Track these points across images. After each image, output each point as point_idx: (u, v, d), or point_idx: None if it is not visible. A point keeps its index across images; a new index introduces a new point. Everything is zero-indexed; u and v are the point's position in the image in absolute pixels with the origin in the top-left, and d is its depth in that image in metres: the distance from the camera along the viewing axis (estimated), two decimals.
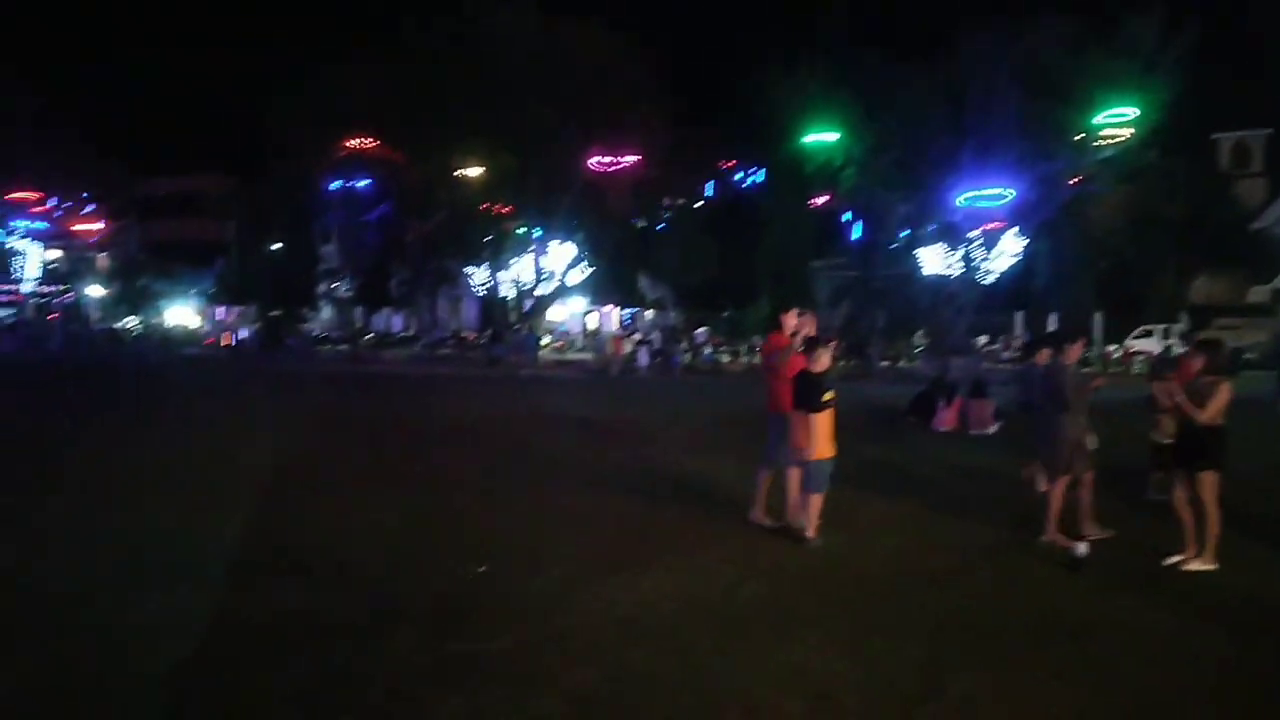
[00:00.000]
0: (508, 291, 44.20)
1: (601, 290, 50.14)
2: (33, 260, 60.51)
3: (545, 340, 45.25)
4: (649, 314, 52.57)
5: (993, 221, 34.05)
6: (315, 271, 58.66)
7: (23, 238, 59.86)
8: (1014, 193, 32.98)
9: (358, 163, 48.23)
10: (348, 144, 46.43)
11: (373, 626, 5.01)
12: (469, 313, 54.70)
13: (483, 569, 6.12)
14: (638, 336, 38.61)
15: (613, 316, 53.77)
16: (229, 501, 7.98)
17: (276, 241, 57.32)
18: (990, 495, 9.10)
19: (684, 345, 41.42)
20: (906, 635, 5.11)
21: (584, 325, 54.11)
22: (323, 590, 5.63)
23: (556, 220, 42.21)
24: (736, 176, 51.72)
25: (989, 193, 33.17)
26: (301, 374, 27.55)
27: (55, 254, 60.89)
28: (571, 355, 43.51)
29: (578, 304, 53.06)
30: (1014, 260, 34.94)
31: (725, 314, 47.51)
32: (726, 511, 7.96)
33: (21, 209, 58.98)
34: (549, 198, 41.09)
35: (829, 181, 37.33)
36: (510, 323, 43.28)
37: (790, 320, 7.67)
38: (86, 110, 56.55)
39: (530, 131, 37.44)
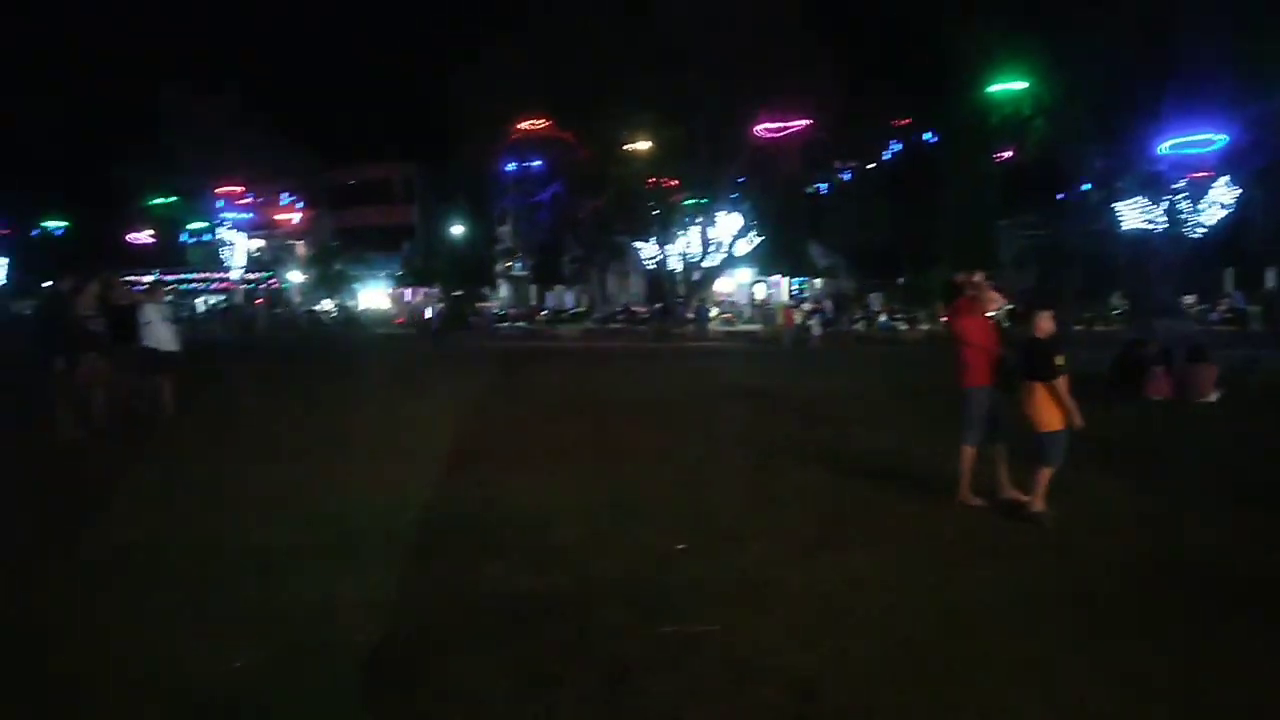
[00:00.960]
0: (676, 265, 44.26)
1: (770, 260, 49.35)
2: (239, 249, 65.87)
3: (714, 312, 45.08)
4: (820, 282, 51.33)
5: (1200, 170, 31.03)
6: (493, 252, 60.93)
7: (230, 228, 65.26)
8: (1225, 138, 29.87)
9: (530, 144, 49.53)
10: (521, 126, 47.74)
11: (580, 604, 4.97)
12: (638, 287, 55.24)
13: (682, 547, 6.01)
14: (809, 306, 37.74)
15: (782, 286, 52.87)
16: (426, 475, 8.23)
17: (456, 224, 59.88)
18: (1235, 467, 8.18)
19: (858, 314, 40.18)
20: (1162, 633, 4.59)
21: (753, 296, 53.52)
22: (524, 567, 5.65)
23: (724, 190, 41.85)
24: (912, 134, 49.48)
25: (1196, 139, 30.20)
26: (483, 351, 28.59)
27: (259, 243, 66.02)
28: (741, 327, 43.15)
29: (746, 275, 52.50)
30: (1225, 213, 31.73)
31: (901, 280, 45.70)
32: (922, 489, 7.53)
33: (228, 202, 64.30)
34: (717, 167, 40.78)
35: (1015, 134, 35.05)
36: (679, 296, 43.38)
37: (972, 284, 7.20)
38: (280, 104, 60.85)
39: (698, 100, 37.18)
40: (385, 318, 55.40)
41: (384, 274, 62.63)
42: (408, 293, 61.81)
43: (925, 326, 35.95)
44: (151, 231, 67.70)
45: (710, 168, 40.54)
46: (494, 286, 61.36)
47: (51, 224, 69.66)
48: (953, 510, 6.91)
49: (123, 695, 3.91)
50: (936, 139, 46.22)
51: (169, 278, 56.09)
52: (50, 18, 79.35)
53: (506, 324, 49.28)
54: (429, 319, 42.47)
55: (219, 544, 6.09)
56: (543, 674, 4.11)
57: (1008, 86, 32.92)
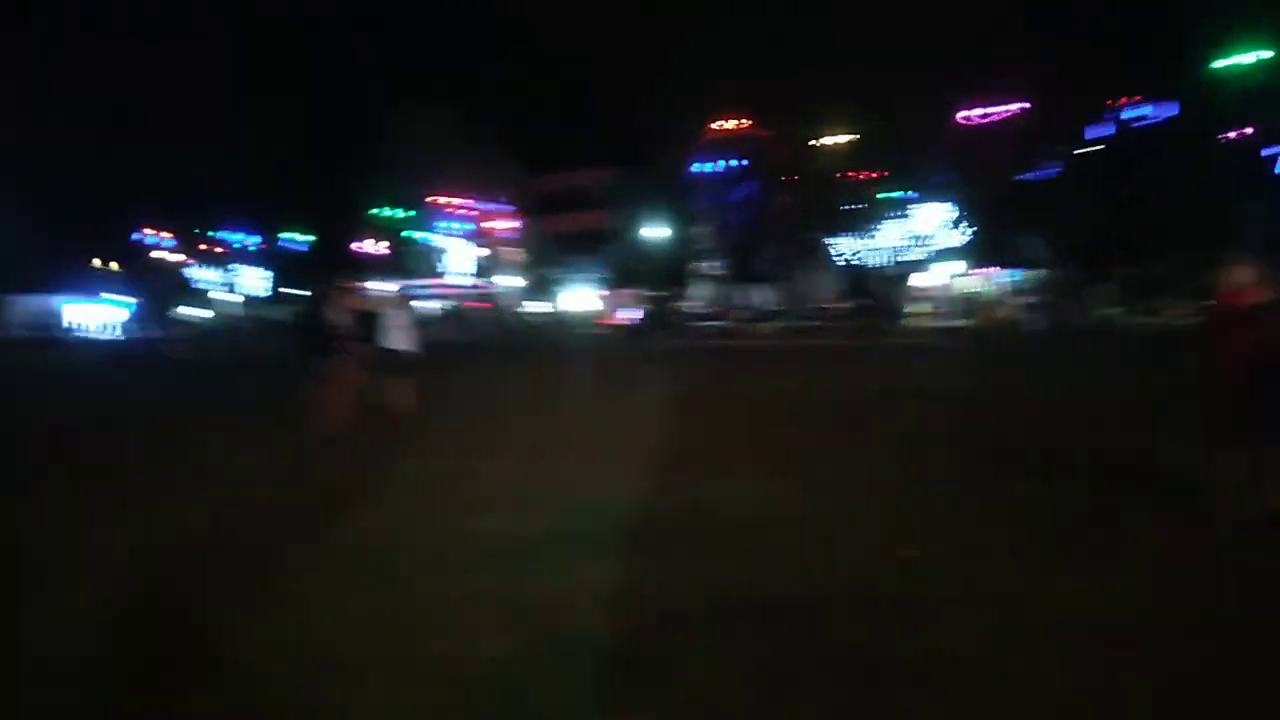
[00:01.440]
0: (875, 260, 43.11)
1: (980, 252, 47.07)
2: (458, 256, 70.26)
3: (916, 308, 43.52)
4: (1033, 274, 48.38)
5: None
6: (689, 252, 61.74)
7: (449, 236, 69.74)
8: None
9: (724, 143, 49.75)
10: (714, 126, 48.07)
11: (815, 612, 4.92)
12: (835, 284, 54.26)
13: (915, 553, 5.90)
14: (1023, 299, 35.68)
15: (993, 279, 50.26)
16: (641, 475, 8.42)
17: (652, 226, 61.20)
18: None
19: (1074, 306, 37.60)
20: None
21: (961, 290, 51.22)
22: (751, 569, 5.66)
23: (928, 181, 40.36)
24: (1133, 114, 45.69)
25: None
26: (685, 351, 29.00)
27: (476, 249, 70.20)
28: (947, 323, 41.38)
29: (953, 268, 50.33)
30: None
31: (1124, 270, 42.30)
32: (1184, 501, 6.92)
33: (447, 210, 68.80)
34: (920, 158, 39.39)
35: (1256, 110, 31.64)
36: (879, 292, 42.23)
37: (1238, 274, 6.64)
38: (493, 116, 64.35)
39: (900, 88, 36.07)
40: (591, 319, 57.36)
41: (588, 277, 64.90)
42: (611, 294, 63.80)
43: (1159, 318, 33.12)
44: (378, 241, 73.48)
45: (913, 158, 39.20)
46: (690, 286, 62.15)
47: (296, 236, 77.06)
48: (1220, 524, 6.36)
49: (391, 677, 4.25)
50: (1161, 119, 42.42)
51: (401, 284, 60.69)
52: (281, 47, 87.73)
53: (704, 324, 49.72)
54: (635, 320, 43.47)
55: (460, 535, 6.50)
56: (782, 674, 4.13)
57: (1244, 59, 29.73)
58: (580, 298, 64.42)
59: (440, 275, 70.75)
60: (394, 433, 10.93)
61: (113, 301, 63.15)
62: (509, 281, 69.66)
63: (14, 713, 3.94)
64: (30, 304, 62.98)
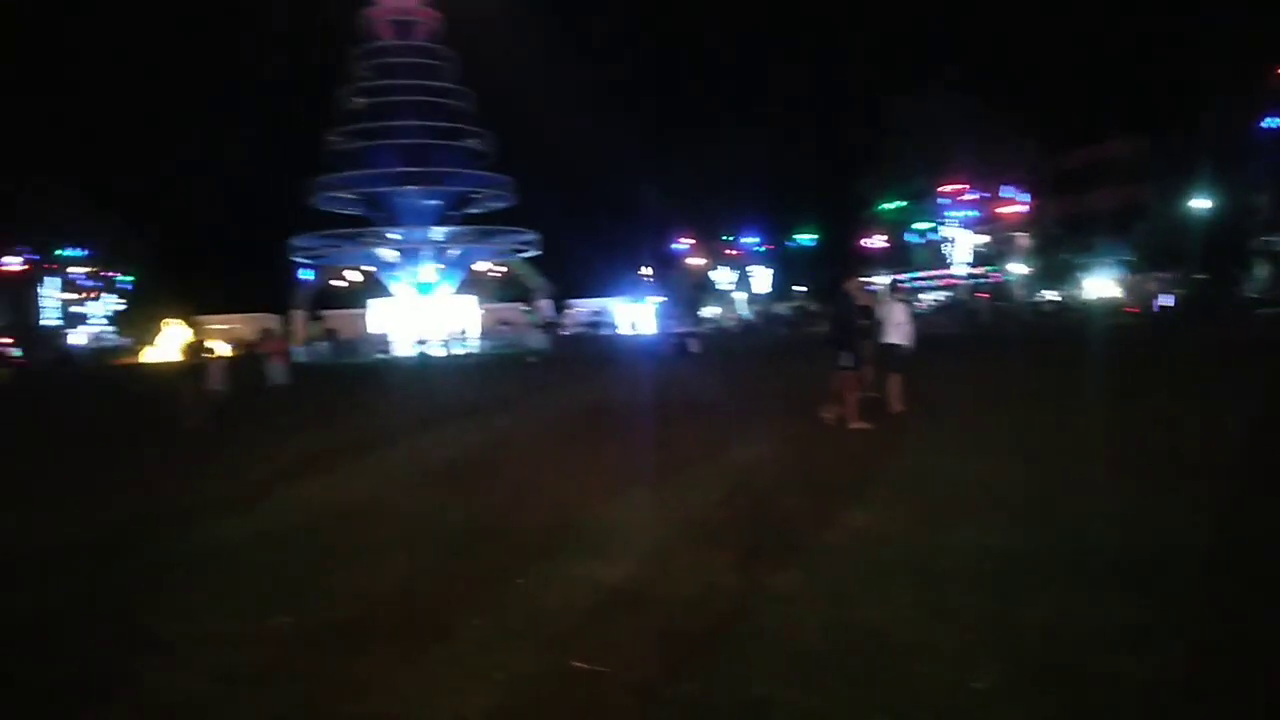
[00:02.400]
0: None
1: None
2: (963, 245, 67.65)
3: None
4: None
5: None
6: (1247, 226, 51.99)
7: (953, 226, 67.47)
8: None
9: None
10: None
11: None
12: None
13: None
14: None
15: None
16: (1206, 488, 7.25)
17: (1199, 197, 52.52)
18: None
19: None
20: None
21: None
22: None
23: None
24: None
25: None
26: (1234, 342, 24.45)
27: (982, 238, 66.96)
28: None
29: None
30: None
31: None
32: None
33: (951, 200, 66.59)
34: None
35: None
36: None
37: None
38: (1000, 98, 60.56)
39: None
40: (1115, 306, 51.30)
41: (1113, 260, 58.08)
42: (1141, 279, 56.42)
43: None
44: (881, 235, 73.74)
45: None
46: (1247, 266, 52.27)
47: (802, 237, 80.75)
48: None
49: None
50: None
51: (899, 278, 60.44)
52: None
53: (1265, 310, 41.46)
54: (1166, 307, 38.01)
55: (939, 542, 6.10)
56: None
57: None
58: (1101, 284, 57.94)
59: (943, 266, 68.83)
60: (890, 427, 10.82)
61: (647, 302, 72.22)
62: (1016, 269, 65.22)
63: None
64: (588, 306, 74.84)
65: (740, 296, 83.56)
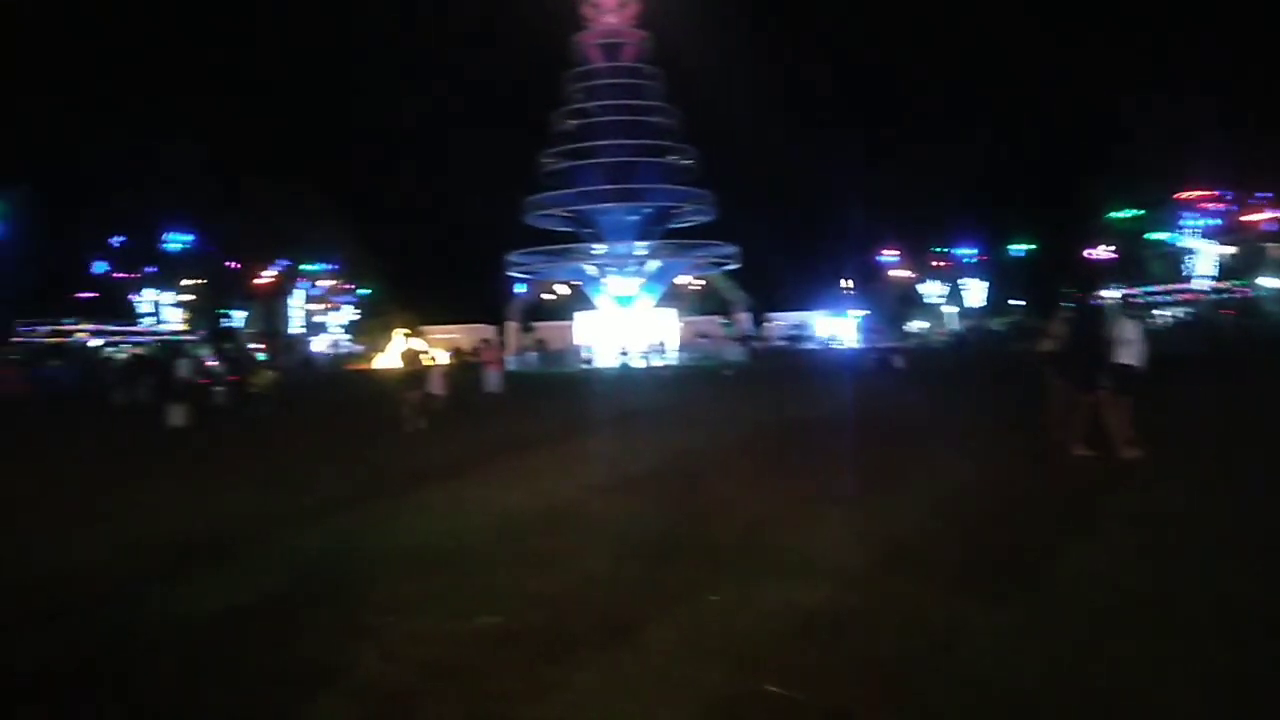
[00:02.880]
0: None
1: None
2: (1205, 257, 61.47)
3: None
4: None
5: None
6: None
7: (1194, 236, 61.40)
8: None
9: None
10: None
11: None
12: None
13: None
14: None
15: None
16: None
17: None
18: None
19: None
20: None
21: None
22: None
23: None
24: None
25: None
26: None
27: (1227, 249, 60.60)
28: None
29: None
30: None
31: None
32: None
33: (1192, 208, 60.65)
34: None
35: None
36: None
37: None
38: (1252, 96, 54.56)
39: None
40: None
41: None
42: None
43: None
44: (1110, 246, 68.25)
45: None
46: None
47: (1019, 247, 76.16)
48: None
49: None
50: None
51: (1130, 291, 55.82)
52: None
53: None
54: None
55: (1172, 588, 5.51)
56: None
57: None
58: None
59: (1182, 280, 62.81)
60: (1114, 455, 9.92)
61: (849, 316, 70.48)
62: (1267, 283, 58.44)
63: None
64: (787, 319, 74.01)
65: (950, 310, 79.89)
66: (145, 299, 66.35)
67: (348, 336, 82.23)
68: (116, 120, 72.43)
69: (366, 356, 67.95)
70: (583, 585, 5.87)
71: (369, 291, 79.84)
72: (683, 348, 54.81)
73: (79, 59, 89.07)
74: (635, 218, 58.58)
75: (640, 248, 59.24)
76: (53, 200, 55.76)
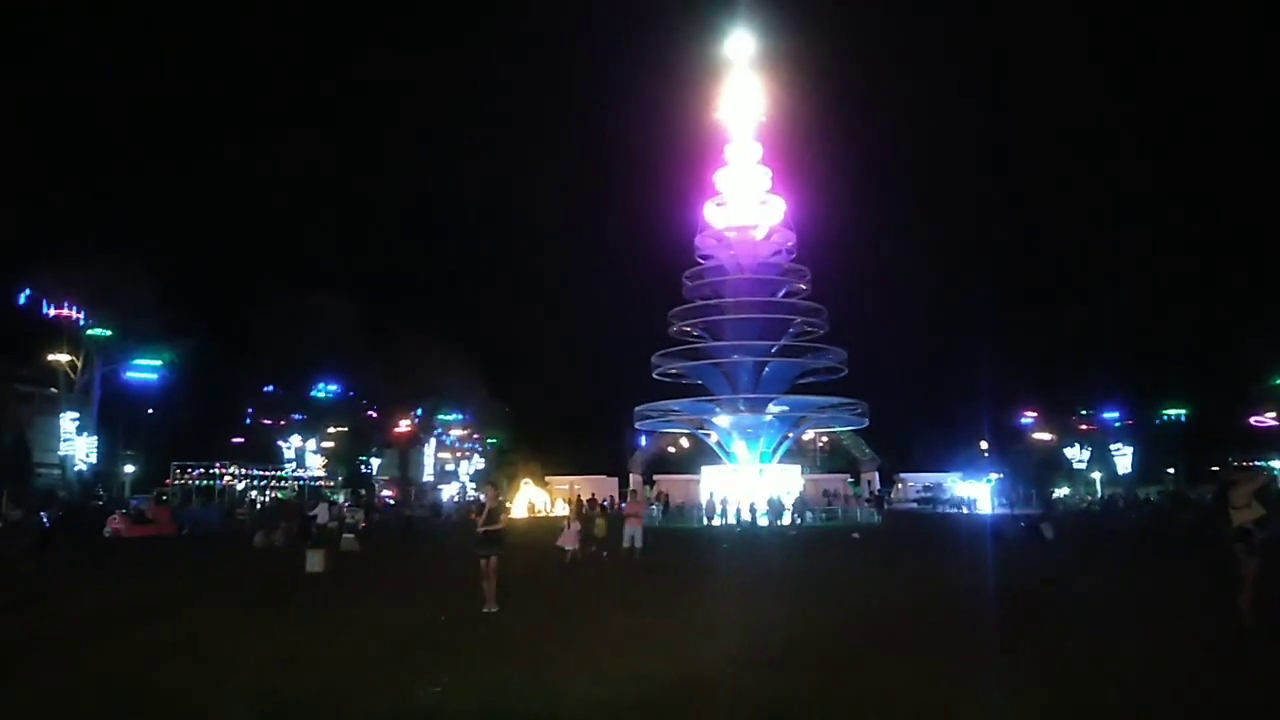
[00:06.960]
0: None
1: None
2: None
3: None
4: None
5: None
6: None
7: None
8: None
9: None
10: None
11: None
12: None
13: None
14: None
15: None
16: None
17: None
18: None
19: None
20: None
21: None
22: None
23: None
24: None
25: None
26: None
27: None
28: None
29: None
30: None
31: None
32: None
33: None
34: None
35: None
36: None
37: None
38: None
39: None
40: None
41: None
42: None
43: None
44: (1276, 413, 63.34)
45: None
46: None
47: (1171, 411, 71.74)
48: None
49: None
50: None
51: None
52: None
53: None
54: None
55: None
56: None
57: None
58: None
59: None
60: None
61: (986, 479, 67.10)
62: None
63: None
64: (920, 479, 71.27)
65: (1095, 477, 75.18)
66: (291, 445, 69.69)
67: (473, 485, 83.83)
68: (277, 274, 78.69)
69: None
70: None
71: (495, 441, 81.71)
72: (808, 506, 53.17)
73: (259, 218, 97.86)
74: (764, 372, 58.50)
75: (768, 404, 58.78)
76: (218, 350, 60.14)
